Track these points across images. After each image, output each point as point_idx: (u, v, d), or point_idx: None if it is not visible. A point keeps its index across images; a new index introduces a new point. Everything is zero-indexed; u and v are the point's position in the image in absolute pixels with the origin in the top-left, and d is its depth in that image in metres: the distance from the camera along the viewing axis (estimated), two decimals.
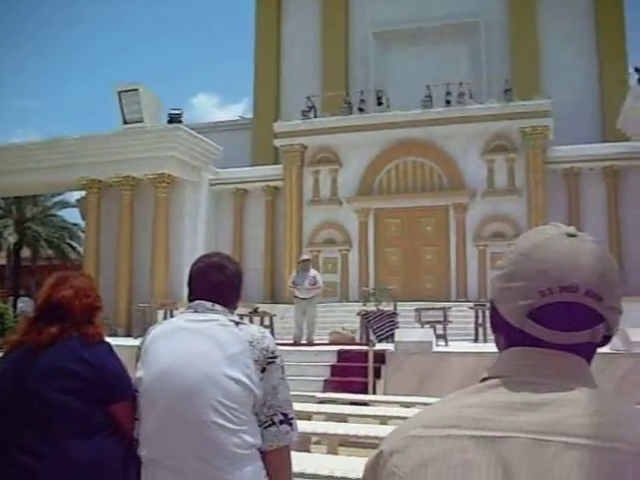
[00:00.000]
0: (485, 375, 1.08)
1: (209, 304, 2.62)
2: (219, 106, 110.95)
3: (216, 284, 2.67)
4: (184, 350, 2.49)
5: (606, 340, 1.07)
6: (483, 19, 28.20)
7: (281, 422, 2.49)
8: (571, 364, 1.04)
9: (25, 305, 33.64)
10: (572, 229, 1.09)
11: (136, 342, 2.71)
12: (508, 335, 1.09)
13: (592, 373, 1.05)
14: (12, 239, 38.71)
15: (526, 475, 0.91)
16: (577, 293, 1.01)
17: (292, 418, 2.54)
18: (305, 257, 16.17)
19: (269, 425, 2.47)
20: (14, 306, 33.23)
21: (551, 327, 1.03)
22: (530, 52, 27.14)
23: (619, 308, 1.05)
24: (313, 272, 15.47)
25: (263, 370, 2.46)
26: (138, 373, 2.59)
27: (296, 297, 15.33)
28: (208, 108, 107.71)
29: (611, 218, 21.52)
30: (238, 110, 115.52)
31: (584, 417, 0.95)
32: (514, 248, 1.11)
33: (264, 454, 2.48)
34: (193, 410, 2.39)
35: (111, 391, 2.70)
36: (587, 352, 1.06)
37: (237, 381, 2.40)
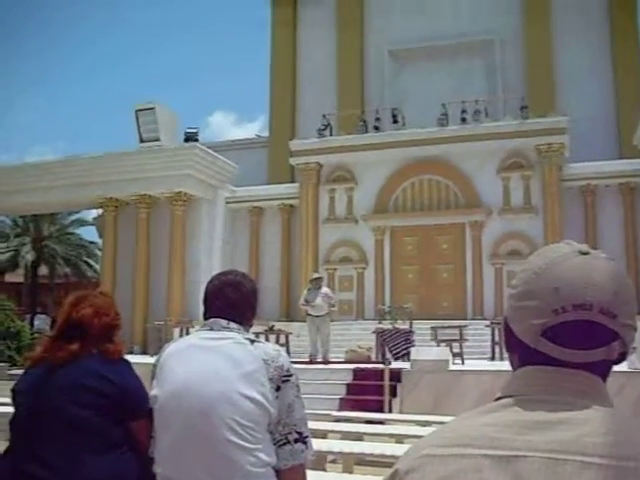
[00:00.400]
0: (499, 394, 1.08)
1: (224, 322, 2.62)
2: (236, 124, 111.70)
3: (232, 302, 2.67)
4: (199, 368, 2.49)
5: (622, 357, 1.06)
6: (498, 36, 28.23)
7: (296, 441, 2.48)
8: (586, 382, 1.03)
9: (42, 322, 33.87)
10: (585, 247, 1.08)
11: (152, 359, 2.72)
12: (522, 354, 1.09)
13: (608, 391, 1.05)
14: (30, 257, 38.97)
15: None
16: (591, 311, 1.01)
17: (307, 437, 2.52)
18: (316, 275, 16.18)
19: (284, 444, 2.46)
20: (31, 323, 33.44)
21: (566, 346, 1.02)
22: (545, 69, 27.11)
23: (634, 325, 1.05)
24: (325, 290, 15.48)
25: (278, 388, 2.45)
26: (153, 391, 2.59)
27: (309, 315, 15.33)
28: (225, 126, 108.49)
29: (628, 235, 21.41)
30: (255, 128, 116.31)
31: (600, 436, 0.94)
32: (527, 267, 1.10)
33: (279, 473, 2.46)
34: (208, 428, 2.38)
35: (131, 408, 2.73)
36: (602, 370, 1.05)
37: (252, 399, 2.39)
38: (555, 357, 1.03)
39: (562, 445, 0.94)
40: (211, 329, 2.63)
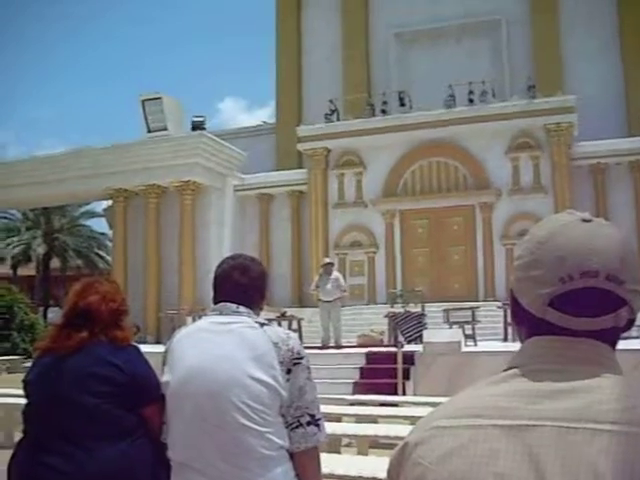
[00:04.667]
0: (508, 365, 1.07)
1: (234, 306, 2.62)
2: (246, 110, 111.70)
3: (240, 286, 2.66)
4: (209, 352, 2.49)
5: (630, 324, 1.05)
6: (504, 16, 27.96)
7: (308, 423, 2.48)
8: (595, 350, 1.02)
9: (55, 315, 34.01)
10: (587, 215, 1.07)
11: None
12: (530, 325, 1.08)
13: (616, 359, 1.04)
14: (41, 250, 39.12)
15: (553, 463, 0.90)
16: (598, 278, 1.00)
17: (319, 419, 2.52)
18: (327, 261, 16.20)
19: (296, 426, 2.46)
20: (44, 316, 33.62)
21: (573, 314, 1.02)
22: (552, 47, 26.89)
23: None
24: (335, 274, 15.50)
25: (289, 371, 2.45)
26: (165, 377, 2.60)
27: (320, 300, 15.38)
28: (235, 112, 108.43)
29: (639, 213, 21.29)
30: (265, 114, 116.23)
31: (611, 403, 0.94)
32: (530, 237, 1.09)
33: (293, 456, 2.47)
34: (220, 412, 2.38)
35: (142, 394, 2.73)
36: (611, 338, 1.04)
37: (263, 382, 2.39)
38: (563, 326, 1.03)
39: (573, 413, 0.93)
40: (220, 313, 2.63)
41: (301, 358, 2.50)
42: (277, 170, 27.14)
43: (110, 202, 25.16)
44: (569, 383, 0.98)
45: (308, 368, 2.53)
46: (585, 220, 1.06)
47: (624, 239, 1.05)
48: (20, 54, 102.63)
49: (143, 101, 23.26)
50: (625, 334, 1.10)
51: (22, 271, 40.94)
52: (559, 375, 1.00)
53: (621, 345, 1.10)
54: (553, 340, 1.04)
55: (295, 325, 17.36)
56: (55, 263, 40.92)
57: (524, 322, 1.10)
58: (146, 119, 23.25)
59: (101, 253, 41.73)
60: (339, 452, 7.68)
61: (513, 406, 0.97)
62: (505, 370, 1.06)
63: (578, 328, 1.02)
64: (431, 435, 1.01)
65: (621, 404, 0.93)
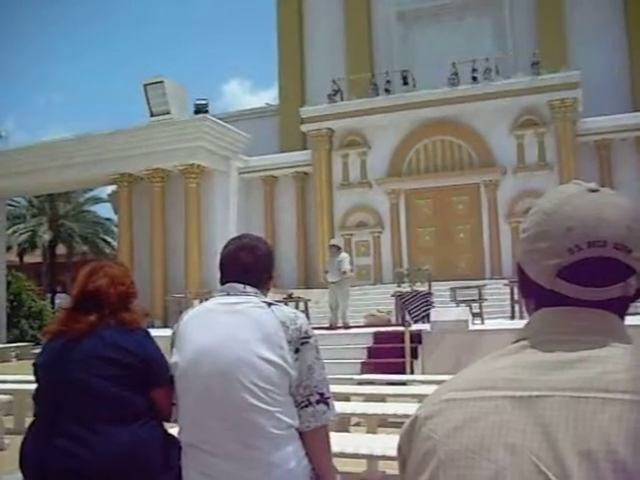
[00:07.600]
0: (516, 337, 1.07)
1: (241, 286, 2.61)
2: (251, 91, 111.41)
3: (247, 266, 2.66)
4: (217, 333, 2.49)
5: (639, 293, 1.05)
6: None
7: (318, 402, 2.48)
8: (604, 320, 1.02)
9: (63, 301, 34.15)
10: (593, 185, 1.07)
11: None
12: (538, 297, 1.08)
13: (626, 329, 1.04)
14: (47, 236, 39.16)
15: (565, 433, 0.90)
16: (605, 247, 0.99)
17: (328, 398, 2.52)
18: (331, 243, 16.20)
19: (306, 405, 2.47)
20: (52, 303, 33.74)
21: (582, 284, 1.01)
22: (556, 22, 26.66)
23: None
24: (341, 256, 15.48)
25: (297, 351, 2.45)
26: (173, 358, 2.60)
27: (328, 281, 15.42)
28: (240, 93, 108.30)
29: None
30: (270, 95, 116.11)
31: (621, 372, 0.94)
32: (536, 209, 1.09)
33: (302, 435, 2.47)
34: (229, 392, 2.39)
35: (151, 377, 2.74)
36: (620, 307, 1.04)
37: (271, 362, 2.39)
38: (571, 297, 1.02)
39: (583, 383, 0.93)
40: (228, 294, 2.62)
41: (309, 337, 2.50)
42: (281, 152, 27.11)
43: (115, 187, 25.17)
44: (578, 353, 0.98)
45: (316, 347, 2.53)
46: (592, 190, 1.06)
47: (631, 207, 1.04)
48: (22, 44, 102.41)
49: (145, 85, 23.20)
50: (632, 309, 1.09)
51: (28, 258, 41.04)
52: (568, 345, 0.99)
53: (629, 320, 1.09)
54: (561, 311, 1.04)
55: (302, 306, 17.38)
56: (61, 249, 40.97)
57: (532, 294, 1.10)
58: (149, 103, 23.21)
59: (107, 238, 41.75)
60: (348, 431, 7.71)
61: (523, 377, 0.97)
62: (514, 342, 1.06)
63: (587, 298, 1.02)
64: (441, 408, 1.01)
65: (632, 373, 0.93)
